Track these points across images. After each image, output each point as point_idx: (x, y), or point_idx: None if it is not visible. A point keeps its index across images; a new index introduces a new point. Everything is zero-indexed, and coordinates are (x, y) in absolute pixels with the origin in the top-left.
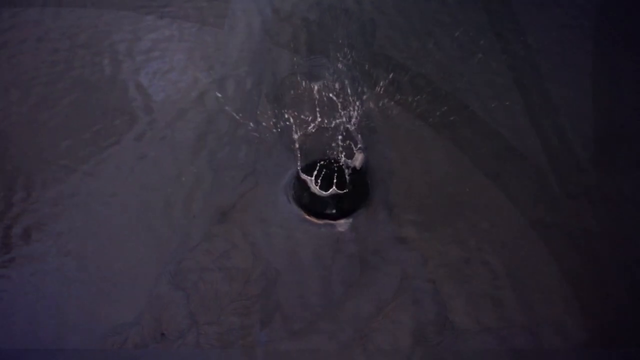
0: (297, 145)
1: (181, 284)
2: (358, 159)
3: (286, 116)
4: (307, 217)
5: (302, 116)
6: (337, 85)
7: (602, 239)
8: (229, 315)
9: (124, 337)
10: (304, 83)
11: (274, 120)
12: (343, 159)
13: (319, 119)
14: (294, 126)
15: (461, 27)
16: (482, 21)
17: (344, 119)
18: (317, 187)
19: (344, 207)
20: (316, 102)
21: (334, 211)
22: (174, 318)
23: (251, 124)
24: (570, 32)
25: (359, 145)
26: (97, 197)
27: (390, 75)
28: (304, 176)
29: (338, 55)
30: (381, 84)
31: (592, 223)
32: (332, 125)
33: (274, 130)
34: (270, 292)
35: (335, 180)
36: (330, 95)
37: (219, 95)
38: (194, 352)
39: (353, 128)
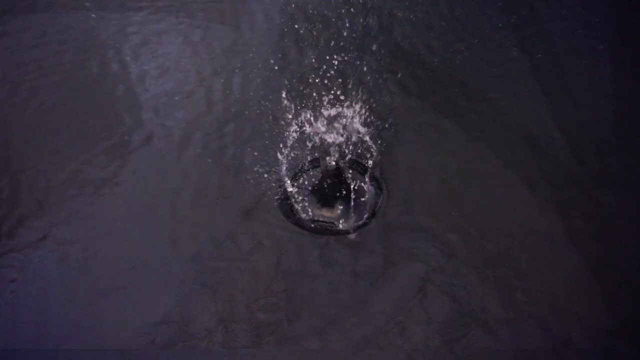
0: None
1: (207, 283)
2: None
3: (306, 114)
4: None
5: (318, 114)
6: (356, 81)
7: (626, 226)
8: (255, 312)
9: (152, 336)
10: (321, 81)
11: (292, 117)
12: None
13: (337, 117)
14: (310, 124)
15: (479, 22)
16: (499, 15)
17: (363, 114)
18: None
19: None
20: (334, 99)
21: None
22: (201, 317)
23: (269, 122)
24: (589, 25)
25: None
26: (98, 195)
27: (409, 70)
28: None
29: (358, 50)
30: (399, 78)
31: (617, 211)
32: (349, 121)
33: (293, 128)
34: (295, 288)
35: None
36: (351, 91)
37: (229, 91)
38: (222, 350)
39: (369, 131)
